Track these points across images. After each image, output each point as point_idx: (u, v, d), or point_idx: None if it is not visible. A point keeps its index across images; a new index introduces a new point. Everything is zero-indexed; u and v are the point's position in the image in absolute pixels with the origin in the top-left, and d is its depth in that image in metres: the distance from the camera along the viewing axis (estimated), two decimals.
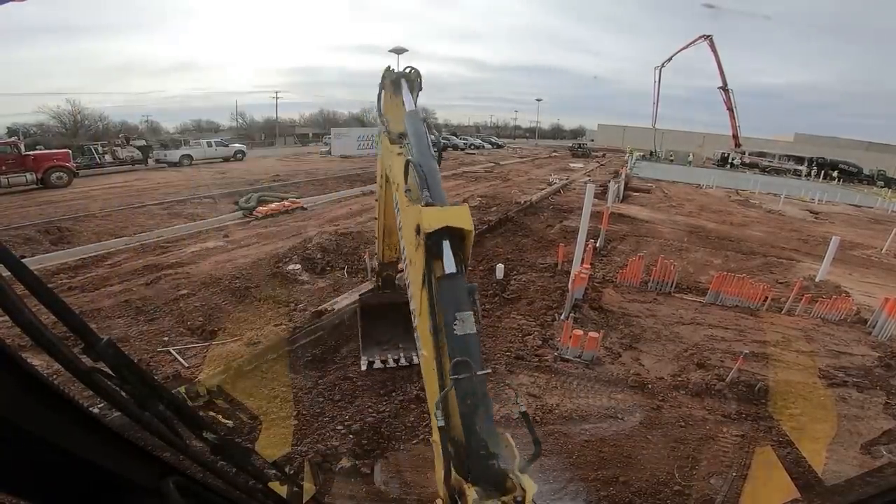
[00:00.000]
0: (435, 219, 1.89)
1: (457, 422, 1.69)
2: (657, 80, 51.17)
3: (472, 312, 1.79)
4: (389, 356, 6.04)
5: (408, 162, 2.37)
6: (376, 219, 5.46)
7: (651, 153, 51.93)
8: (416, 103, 3.28)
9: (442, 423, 1.62)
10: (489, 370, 1.77)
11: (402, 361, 5.96)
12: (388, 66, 3.74)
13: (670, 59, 49.78)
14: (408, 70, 3.61)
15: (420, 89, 3.62)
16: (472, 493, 1.53)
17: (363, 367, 5.95)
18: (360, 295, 6.68)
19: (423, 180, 2.18)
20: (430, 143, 2.55)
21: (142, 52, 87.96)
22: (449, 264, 1.84)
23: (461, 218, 1.93)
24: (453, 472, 1.63)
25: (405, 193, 2.35)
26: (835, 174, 43.53)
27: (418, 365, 2.24)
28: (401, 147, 3.17)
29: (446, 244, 1.87)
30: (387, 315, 5.96)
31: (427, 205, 2.01)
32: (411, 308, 2.26)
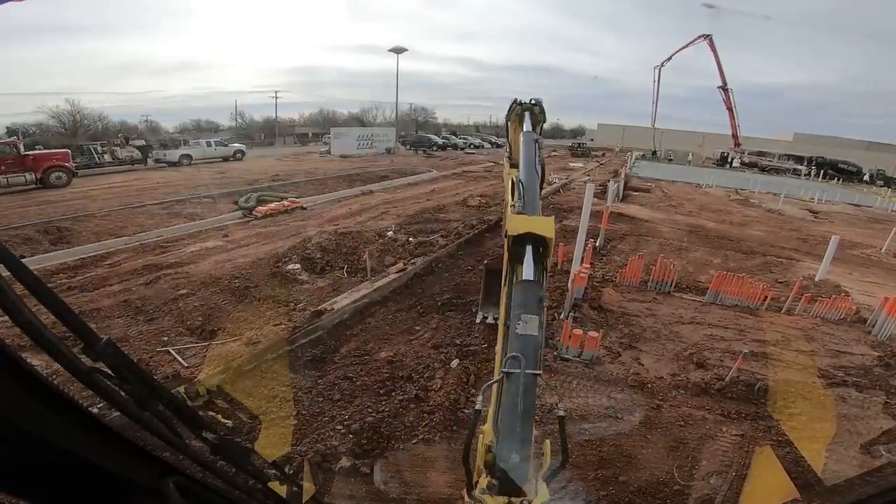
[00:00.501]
0: (520, 224, 2.15)
1: (495, 412, 1.78)
2: (657, 79, 51.27)
3: (537, 317, 1.91)
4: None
5: (514, 180, 2.77)
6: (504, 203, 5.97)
7: (652, 153, 51.95)
8: (539, 133, 3.64)
9: (479, 407, 1.69)
10: (539, 371, 1.82)
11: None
12: (516, 99, 4.06)
13: (670, 58, 49.84)
14: (532, 103, 3.91)
15: (544, 121, 3.93)
16: (485, 482, 1.61)
17: (478, 320, 6.97)
18: (486, 261, 7.92)
19: (521, 192, 2.52)
20: (537, 162, 2.87)
21: (141, 52, 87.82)
22: (528, 271, 2.03)
23: (544, 226, 2.15)
24: (479, 457, 1.71)
25: (510, 207, 2.77)
26: (834, 174, 43.57)
27: None
28: (518, 172, 3.49)
29: (528, 249, 2.07)
30: None
31: (518, 213, 2.30)
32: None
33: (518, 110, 3.96)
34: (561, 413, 1.77)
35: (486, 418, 1.84)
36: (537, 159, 2.88)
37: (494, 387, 1.82)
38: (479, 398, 1.72)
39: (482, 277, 7.25)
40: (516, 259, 2.09)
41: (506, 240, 2.20)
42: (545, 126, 4.06)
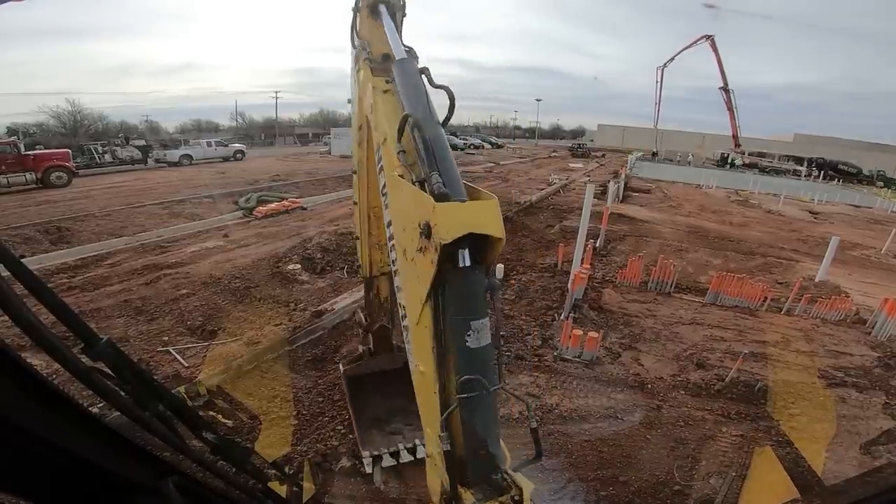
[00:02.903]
0: (455, 223, 1.36)
1: (458, 437, 1.54)
2: (659, 80, 51.32)
3: (488, 319, 1.48)
4: (402, 446, 4.18)
5: (405, 117, 1.68)
6: (355, 203, 3.80)
7: (653, 153, 51.99)
8: (401, 36, 2.41)
9: (447, 448, 1.46)
10: (501, 384, 1.55)
11: (421, 451, 4.03)
12: None
13: (672, 59, 49.92)
14: None
15: (404, 15, 2.73)
16: (469, 497, 1.48)
17: (368, 469, 4.16)
18: (343, 366, 4.81)
19: (430, 153, 1.57)
20: (432, 104, 1.80)
21: (142, 53, 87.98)
22: (464, 260, 1.42)
23: (490, 221, 1.42)
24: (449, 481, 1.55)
25: (398, 156, 1.67)
26: (834, 175, 43.56)
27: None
28: (388, 81, 2.15)
29: (463, 254, 1.42)
30: (387, 385, 4.39)
31: (440, 196, 1.43)
32: (400, 308, 1.79)
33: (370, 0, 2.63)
34: (533, 425, 1.66)
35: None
36: (428, 98, 1.81)
37: (453, 414, 1.51)
38: (443, 436, 1.48)
39: (346, 394, 4.65)
40: (445, 262, 1.42)
41: (427, 241, 1.43)
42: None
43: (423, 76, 1.85)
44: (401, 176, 1.67)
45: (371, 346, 4.55)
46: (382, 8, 2.58)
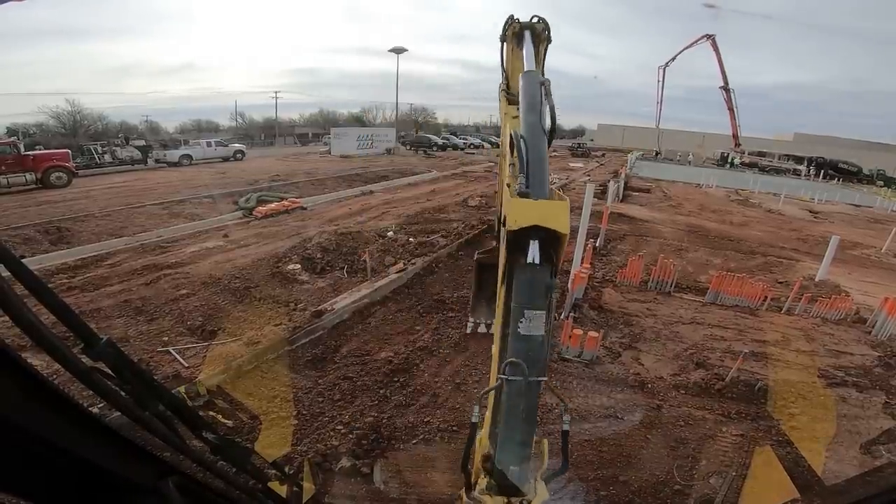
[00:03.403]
0: (523, 214, 1.59)
1: (495, 419, 1.65)
2: (661, 79, 51.27)
3: (543, 312, 1.59)
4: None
5: (514, 134, 1.99)
6: (498, 176, 5.42)
7: (655, 153, 51.99)
8: (542, 61, 2.77)
9: (475, 420, 1.59)
10: (545, 378, 1.61)
11: None
12: (511, 16, 3.15)
13: (674, 58, 49.88)
14: (534, 20, 3.00)
15: (549, 42, 3.04)
16: (484, 482, 1.58)
17: (468, 330, 5.80)
18: (477, 253, 6.05)
19: (523, 161, 1.78)
20: (545, 114, 2.07)
21: (142, 54, 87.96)
22: (533, 255, 1.60)
23: (557, 217, 1.60)
24: (476, 462, 1.65)
25: (509, 168, 2.10)
26: (834, 175, 43.57)
27: None
28: (517, 110, 2.53)
29: (534, 246, 1.60)
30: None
31: (520, 194, 1.67)
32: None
33: (516, 27, 3.03)
34: (565, 427, 1.72)
35: (482, 424, 1.72)
36: (546, 109, 2.06)
37: (492, 394, 1.66)
38: (476, 409, 1.60)
39: (473, 273, 6.05)
40: (516, 252, 1.64)
41: (503, 231, 1.68)
42: None
43: (542, 88, 2.13)
44: (508, 185, 2.01)
45: (497, 245, 5.67)
46: (527, 34, 2.90)
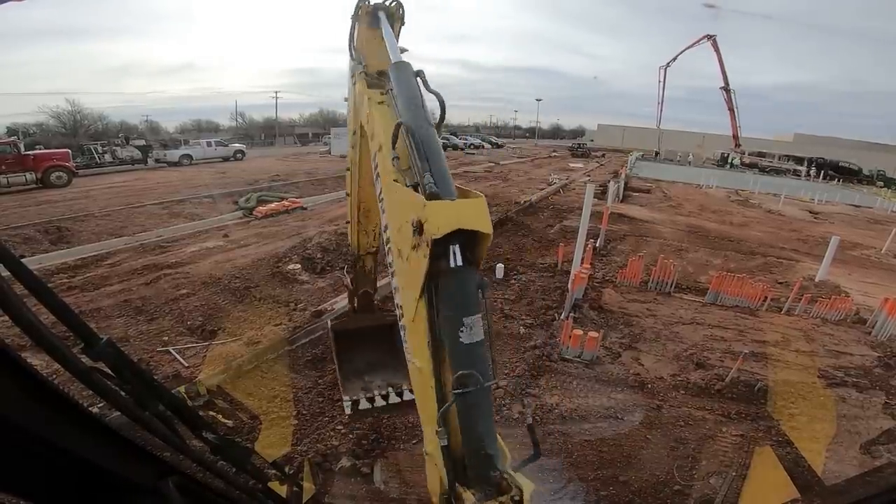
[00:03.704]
0: (444, 219, 1.44)
1: (456, 434, 1.58)
2: (662, 79, 51.25)
3: (480, 315, 1.52)
4: (376, 392, 4.93)
5: (398, 125, 1.78)
6: (347, 195, 4.39)
7: (656, 153, 51.99)
8: (398, 44, 2.55)
9: (445, 443, 1.52)
10: (495, 380, 1.59)
11: (393, 398, 4.86)
12: None
13: (675, 58, 49.89)
14: (387, 1, 2.84)
15: (403, 23, 2.91)
16: (469, 497, 1.50)
17: (348, 411, 4.86)
18: (330, 321, 5.61)
19: (423, 156, 1.66)
20: (426, 107, 1.89)
21: (142, 54, 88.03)
22: (455, 259, 1.49)
23: (478, 217, 1.49)
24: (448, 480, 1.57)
25: (392, 162, 1.79)
26: (834, 175, 43.56)
27: (412, 399, 1.91)
28: (383, 93, 2.36)
29: (454, 250, 1.49)
30: (367, 341, 5.06)
31: (431, 196, 1.53)
32: (397, 308, 1.85)
33: (368, 7, 2.82)
34: (529, 421, 1.74)
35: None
36: (426, 99, 1.91)
37: (449, 410, 1.55)
38: (441, 431, 1.52)
39: (332, 345, 5.35)
40: (436, 267, 1.51)
41: (418, 239, 1.52)
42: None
43: (417, 79, 1.96)
44: (395, 181, 1.77)
45: (355, 305, 5.21)
46: (381, 15, 2.72)
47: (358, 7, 2.92)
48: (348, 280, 5.14)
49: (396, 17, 2.84)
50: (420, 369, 1.68)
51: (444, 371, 1.60)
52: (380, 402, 4.88)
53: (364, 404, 4.85)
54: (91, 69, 76.18)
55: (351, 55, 3.00)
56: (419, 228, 1.50)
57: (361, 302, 5.13)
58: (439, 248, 1.48)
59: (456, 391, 1.49)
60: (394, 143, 1.78)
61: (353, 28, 2.95)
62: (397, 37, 2.81)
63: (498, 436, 1.63)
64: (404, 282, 1.74)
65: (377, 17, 2.74)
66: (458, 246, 1.48)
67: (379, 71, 2.63)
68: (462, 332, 1.49)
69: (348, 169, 4.12)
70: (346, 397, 4.90)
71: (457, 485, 1.55)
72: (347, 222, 4.74)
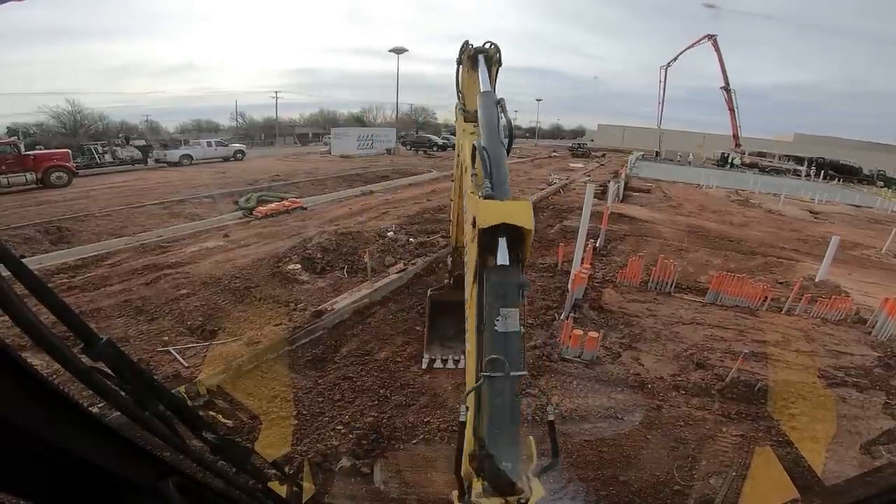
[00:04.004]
0: (491, 214, 1.75)
1: (482, 418, 1.67)
2: (663, 79, 51.22)
3: (517, 309, 1.70)
4: (451, 357, 5.98)
5: (474, 147, 2.22)
6: (452, 200, 5.64)
7: (656, 153, 51.96)
8: (494, 82, 3.10)
9: (463, 419, 1.66)
10: (524, 372, 1.71)
11: (463, 364, 5.36)
12: (466, 41, 3.52)
13: (676, 58, 49.90)
14: (487, 45, 3.37)
15: (500, 65, 3.42)
16: (479, 485, 1.58)
17: (424, 366, 5.96)
18: (430, 290, 6.41)
19: (487, 168, 2.01)
20: (502, 128, 2.35)
21: (142, 54, 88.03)
22: (502, 256, 1.73)
23: (521, 215, 1.76)
24: (465, 464, 1.66)
25: (471, 178, 2.30)
26: (835, 175, 43.54)
27: None
28: (475, 127, 2.93)
29: (502, 241, 1.74)
30: (455, 313, 5.80)
31: (487, 197, 1.88)
32: (465, 297, 2.11)
33: (471, 51, 3.39)
34: (550, 417, 1.79)
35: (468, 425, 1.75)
36: (502, 125, 2.37)
37: (473, 393, 1.70)
38: (463, 409, 1.66)
39: (427, 310, 6.31)
40: (486, 251, 1.80)
41: (474, 231, 1.81)
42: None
43: (498, 106, 2.46)
44: (472, 193, 2.19)
45: (451, 282, 6.03)
46: (481, 59, 3.23)
47: (461, 52, 3.49)
48: (449, 261, 6.16)
49: (494, 61, 3.32)
50: (469, 351, 1.92)
51: (483, 355, 1.75)
52: (451, 365, 5.87)
53: (438, 364, 5.89)
54: (91, 69, 76.18)
55: (457, 91, 3.54)
56: (473, 222, 1.81)
57: (456, 280, 5.83)
58: (488, 240, 1.76)
59: (484, 373, 1.63)
60: (473, 162, 2.26)
61: (457, 70, 3.51)
62: (496, 76, 3.33)
63: (532, 439, 1.73)
64: (468, 271, 2.05)
65: (477, 60, 3.23)
66: (504, 239, 1.74)
67: (475, 111, 2.99)
68: (498, 320, 1.67)
69: (454, 180, 5.41)
70: (426, 355, 6.08)
71: (472, 472, 1.63)
72: (450, 221, 6.20)
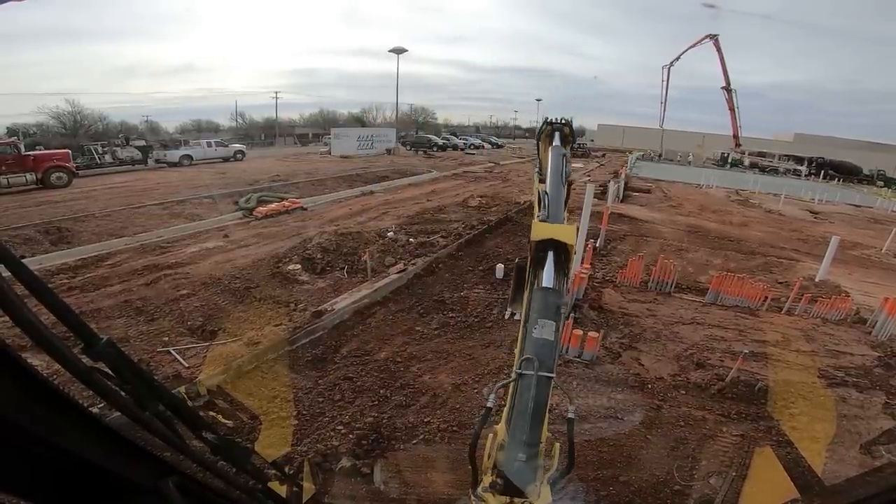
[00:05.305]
0: (542, 230, 2.17)
1: (508, 412, 1.82)
2: (665, 79, 51.09)
3: (554, 323, 1.93)
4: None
5: (538, 192, 2.82)
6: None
7: (658, 155, 51.91)
8: (567, 149, 3.68)
9: (490, 405, 1.79)
10: (553, 375, 1.84)
11: None
12: (547, 118, 4.08)
13: (678, 58, 49.73)
14: (563, 122, 3.92)
15: (573, 141, 3.96)
16: (488, 479, 1.66)
17: (506, 316, 7.38)
18: (518, 258, 6.75)
19: (546, 202, 2.50)
20: (564, 175, 2.91)
21: (143, 55, 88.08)
22: (548, 278, 2.06)
23: (566, 233, 2.18)
24: (487, 457, 1.77)
25: (536, 219, 2.73)
26: (834, 175, 43.52)
27: None
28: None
29: (550, 255, 2.11)
30: None
31: (541, 220, 2.30)
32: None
33: (548, 130, 3.98)
34: (570, 416, 1.88)
35: (498, 417, 1.87)
36: (564, 172, 2.97)
37: (510, 386, 1.86)
38: (490, 396, 1.79)
39: (514, 272, 7.12)
40: (538, 264, 2.18)
41: (529, 245, 2.27)
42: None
43: (563, 158, 3.07)
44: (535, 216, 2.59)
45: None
46: (557, 136, 3.70)
47: (541, 131, 4.02)
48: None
49: (568, 141, 3.81)
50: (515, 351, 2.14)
51: (521, 354, 1.96)
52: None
53: (518, 317, 6.09)
54: (92, 70, 76.11)
55: (538, 161, 4.08)
56: (528, 238, 2.24)
57: None
58: (539, 252, 2.17)
59: (517, 370, 1.82)
60: (540, 207, 2.64)
61: (538, 143, 4.06)
62: (571, 148, 3.80)
63: (558, 446, 1.89)
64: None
65: (552, 135, 3.71)
66: (552, 253, 2.12)
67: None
68: (536, 327, 1.91)
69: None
70: (510, 308, 7.36)
71: (488, 466, 1.73)
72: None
